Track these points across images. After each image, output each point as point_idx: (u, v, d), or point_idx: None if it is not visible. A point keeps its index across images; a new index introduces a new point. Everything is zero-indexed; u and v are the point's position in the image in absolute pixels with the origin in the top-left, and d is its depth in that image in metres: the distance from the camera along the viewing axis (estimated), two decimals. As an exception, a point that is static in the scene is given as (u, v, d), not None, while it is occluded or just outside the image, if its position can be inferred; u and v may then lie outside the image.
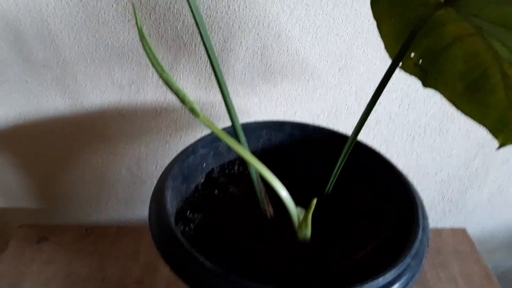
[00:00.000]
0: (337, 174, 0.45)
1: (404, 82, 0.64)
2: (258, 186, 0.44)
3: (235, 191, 0.51)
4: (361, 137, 0.71)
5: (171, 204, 0.43)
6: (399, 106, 0.67)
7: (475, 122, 0.42)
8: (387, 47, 0.44)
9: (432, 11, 0.36)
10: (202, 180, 0.52)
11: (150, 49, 0.38)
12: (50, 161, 0.73)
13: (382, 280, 0.33)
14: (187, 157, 0.49)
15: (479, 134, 0.71)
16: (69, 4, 0.56)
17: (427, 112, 0.68)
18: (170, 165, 0.46)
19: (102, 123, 0.68)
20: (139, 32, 0.37)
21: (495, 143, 0.38)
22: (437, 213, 0.85)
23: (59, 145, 0.71)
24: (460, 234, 0.79)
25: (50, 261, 0.71)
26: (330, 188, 0.47)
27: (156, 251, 0.38)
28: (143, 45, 0.38)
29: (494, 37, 0.34)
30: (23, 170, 0.75)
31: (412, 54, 0.45)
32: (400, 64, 0.45)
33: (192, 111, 0.39)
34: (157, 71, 0.38)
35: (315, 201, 0.36)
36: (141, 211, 0.82)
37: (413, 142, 0.72)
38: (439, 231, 0.79)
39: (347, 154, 0.44)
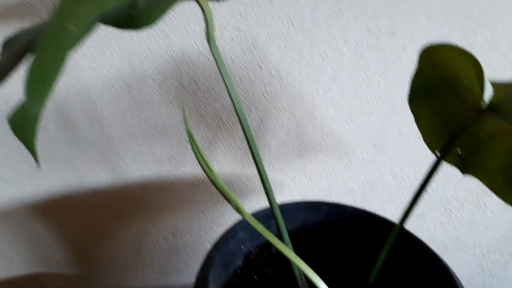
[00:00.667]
0: (381, 264, 0.45)
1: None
2: (299, 277, 0.44)
3: (274, 276, 0.51)
4: (397, 209, 0.71)
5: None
6: (436, 181, 0.67)
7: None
8: (426, 140, 0.45)
9: (472, 116, 0.37)
10: (240, 263, 0.53)
11: (199, 150, 0.40)
12: (89, 229, 0.75)
13: None
14: (226, 242, 0.49)
15: (520, 207, 0.69)
16: (115, 88, 0.60)
17: (465, 186, 0.67)
18: (211, 253, 0.47)
19: (141, 195, 0.71)
20: (188, 135, 0.40)
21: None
22: (477, 285, 0.82)
23: (99, 215, 0.73)
24: (505, 310, 0.75)
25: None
26: (373, 278, 0.46)
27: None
28: (192, 146, 0.40)
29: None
30: (64, 237, 0.77)
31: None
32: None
33: (238, 210, 0.40)
34: (204, 171, 0.40)
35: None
36: (176, 279, 0.83)
37: (450, 216, 0.71)
38: (481, 307, 0.76)
39: (392, 244, 0.44)
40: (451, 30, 0.54)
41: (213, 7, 0.54)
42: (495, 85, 0.31)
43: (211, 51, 0.33)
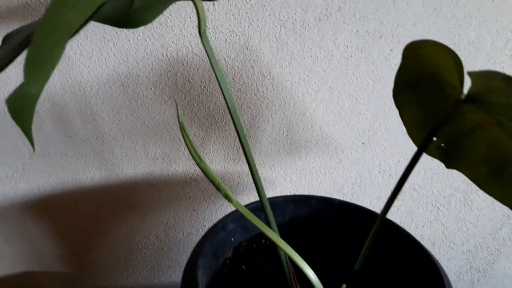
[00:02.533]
0: (365, 253, 0.47)
1: (428, 156, 0.66)
2: (287, 268, 0.45)
3: (263, 267, 0.53)
4: (385, 207, 0.72)
5: (202, 282, 0.45)
6: (422, 179, 0.69)
7: (500, 202, 0.43)
8: (410, 133, 0.47)
9: (453, 107, 0.39)
10: (230, 255, 0.54)
11: (190, 141, 0.41)
12: (82, 227, 0.76)
13: None
14: (216, 233, 0.51)
15: (504, 205, 0.71)
16: (111, 87, 0.62)
17: (451, 184, 0.69)
18: (201, 242, 0.48)
19: (134, 193, 0.72)
20: (180, 126, 0.41)
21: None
22: (465, 282, 0.83)
23: (92, 213, 0.74)
24: (491, 307, 0.77)
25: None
26: (359, 266, 0.48)
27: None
28: (183, 137, 0.42)
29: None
30: (57, 236, 0.78)
31: (434, 138, 0.47)
32: (422, 147, 0.48)
33: (226, 197, 0.42)
34: (195, 160, 0.42)
35: (344, 286, 0.38)
36: (167, 276, 0.83)
37: (438, 213, 0.73)
38: (468, 304, 0.77)
39: (376, 234, 0.45)
40: (437, 33, 0.56)
41: (207, 9, 0.56)
42: (472, 75, 0.33)
43: (203, 45, 0.35)
